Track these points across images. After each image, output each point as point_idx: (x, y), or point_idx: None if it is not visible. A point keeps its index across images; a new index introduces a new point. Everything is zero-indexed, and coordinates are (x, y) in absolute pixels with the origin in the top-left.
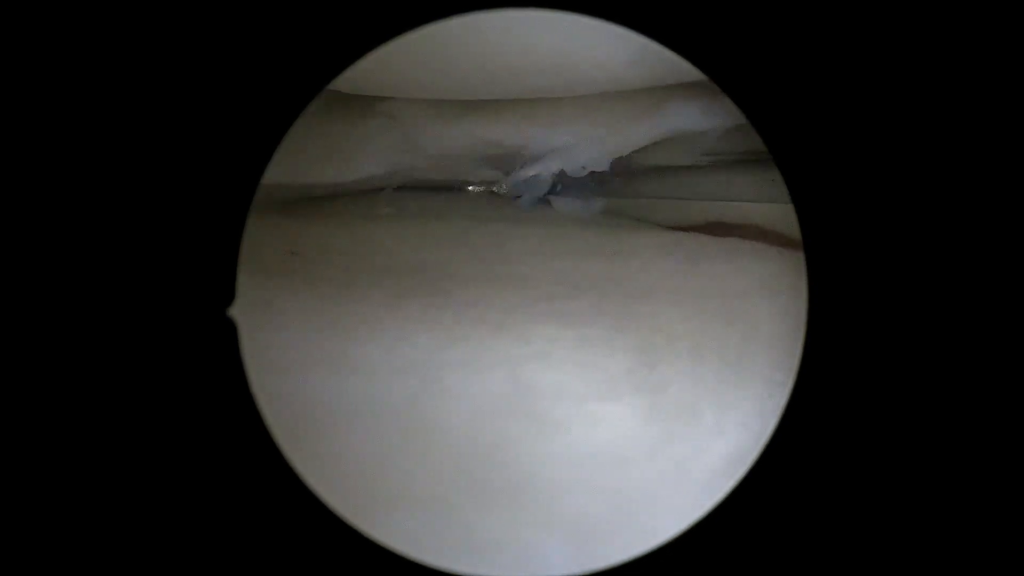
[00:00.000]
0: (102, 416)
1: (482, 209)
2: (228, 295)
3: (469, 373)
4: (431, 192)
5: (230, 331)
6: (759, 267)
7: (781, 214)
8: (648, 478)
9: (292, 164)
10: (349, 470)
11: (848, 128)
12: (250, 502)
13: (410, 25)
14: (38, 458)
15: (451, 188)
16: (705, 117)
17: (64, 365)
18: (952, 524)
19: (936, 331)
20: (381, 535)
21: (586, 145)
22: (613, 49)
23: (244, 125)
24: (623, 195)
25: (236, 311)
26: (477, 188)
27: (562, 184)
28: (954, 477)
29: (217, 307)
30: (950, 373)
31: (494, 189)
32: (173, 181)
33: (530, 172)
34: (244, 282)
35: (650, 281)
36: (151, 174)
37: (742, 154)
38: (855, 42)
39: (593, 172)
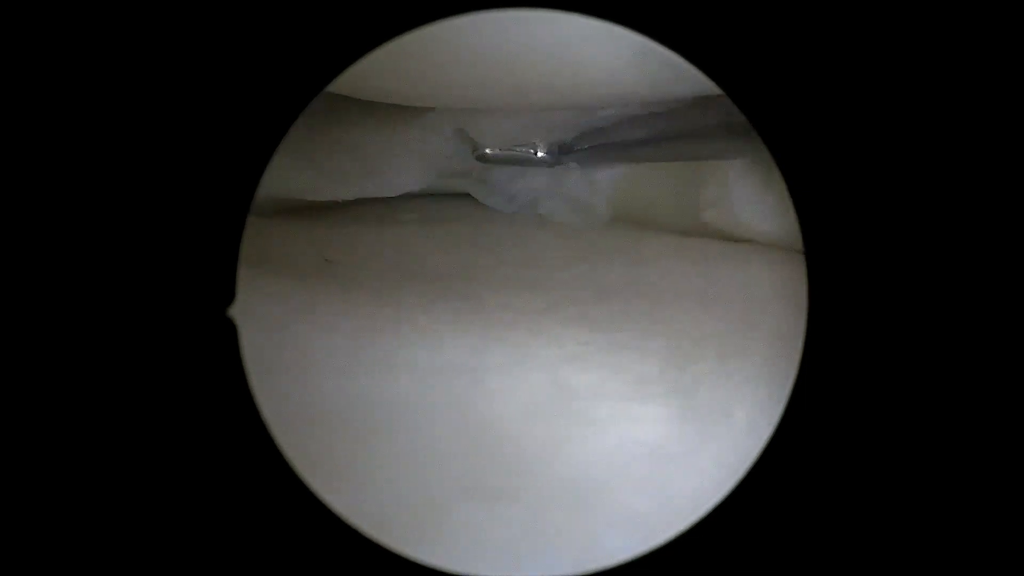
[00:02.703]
0: (106, 417)
1: (498, 213)
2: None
3: (511, 375)
4: (447, 197)
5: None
6: (772, 270)
7: (788, 221)
8: (691, 475)
9: (309, 173)
10: (400, 468)
11: (852, 130)
12: (256, 502)
13: (409, 26)
14: (37, 459)
15: (466, 193)
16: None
17: (87, 367)
18: (953, 525)
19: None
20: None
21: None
22: (614, 50)
23: (250, 125)
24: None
25: (281, 315)
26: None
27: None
28: (959, 477)
29: (218, 310)
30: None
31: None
32: (175, 182)
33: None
34: (280, 285)
35: (670, 285)
36: (152, 174)
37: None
38: (857, 45)
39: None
